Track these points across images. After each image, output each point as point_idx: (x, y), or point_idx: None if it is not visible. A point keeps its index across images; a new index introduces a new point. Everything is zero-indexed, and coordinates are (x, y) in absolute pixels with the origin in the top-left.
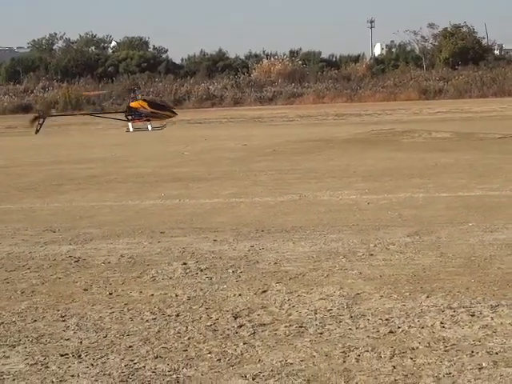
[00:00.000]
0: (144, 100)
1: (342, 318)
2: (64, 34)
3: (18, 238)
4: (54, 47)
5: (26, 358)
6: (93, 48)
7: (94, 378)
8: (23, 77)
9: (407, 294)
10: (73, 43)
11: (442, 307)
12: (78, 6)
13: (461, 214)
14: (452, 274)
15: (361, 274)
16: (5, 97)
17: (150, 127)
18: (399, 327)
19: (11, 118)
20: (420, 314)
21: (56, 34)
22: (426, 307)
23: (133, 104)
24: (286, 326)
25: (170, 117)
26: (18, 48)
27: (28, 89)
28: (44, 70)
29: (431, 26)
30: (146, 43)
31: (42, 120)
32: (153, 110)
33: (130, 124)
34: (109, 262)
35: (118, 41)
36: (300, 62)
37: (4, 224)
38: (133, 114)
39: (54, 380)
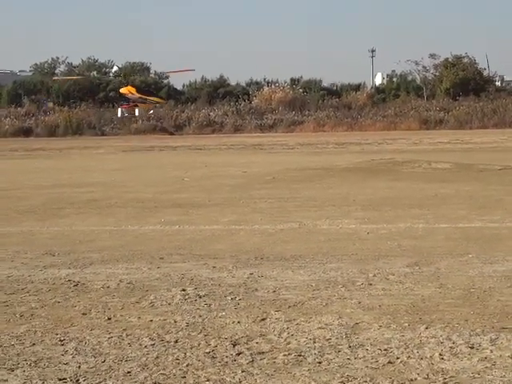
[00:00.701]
0: (132, 86)
1: (340, 347)
2: (66, 58)
3: (17, 262)
4: (55, 71)
5: (25, 382)
6: (94, 72)
7: None
8: (25, 100)
9: (406, 324)
10: (75, 67)
11: (441, 338)
12: (81, 31)
13: (460, 245)
14: (451, 306)
15: (360, 303)
16: (6, 120)
17: (137, 112)
18: (398, 358)
19: (12, 140)
20: (419, 345)
21: (58, 57)
22: (425, 338)
23: (122, 90)
24: (284, 355)
25: (159, 102)
26: (20, 71)
27: (29, 112)
28: (46, 93)
29: (432, 56)
30: (148, 69)
31: None
32: (140, 96)
33: (119, 109)
34: (108, 287)
35: (120, 66)
36: (301, 90)
37: (4, 247)
38: (122, 101)
39: None
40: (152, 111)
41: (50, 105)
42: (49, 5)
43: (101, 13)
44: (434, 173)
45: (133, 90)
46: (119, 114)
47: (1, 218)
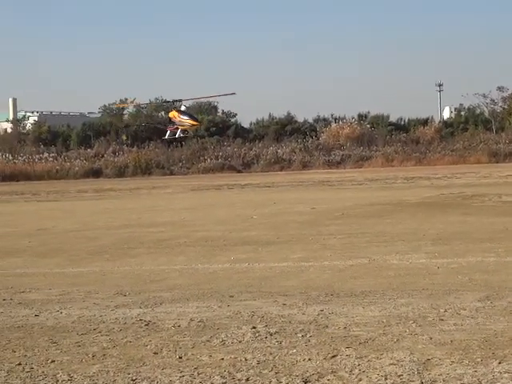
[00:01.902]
0: (177, 110)
1: (412, 383)
2: (134, 98)
3: (88, 302)
4: (124, 112)
5: None
6: (162, 113)
7: None
8: (94, 141)
9: (479, 359)
10: (143, 108)
11: None
12: (148, 72)
13: None
14: None
15: (431, 339)
16: (76, 161)
17: (178, 133)
18: None
19: (82, 182)
20: (492, 381)
21: (126, 98)
22: (498, 373)
23: (169, 114)
24: None
25: (193, 125)
26: (89, 113)
27: (99, 153)
28: (114, 134)
29: (500, 89)
30: (215, 108)
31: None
32: (181, 119)
33: (167, 131)
34: (179, 326)
35: (188, 105)
36: (368, 126)
37: (75, 287)
38: (170, 124)
39: None
40: (185, 133)
41: (124, 137)
42: (116, 47)
43: (167, 53)
44: (503, 206)
45: (176, 113)
46: (166, 136)
47: (72, 259)
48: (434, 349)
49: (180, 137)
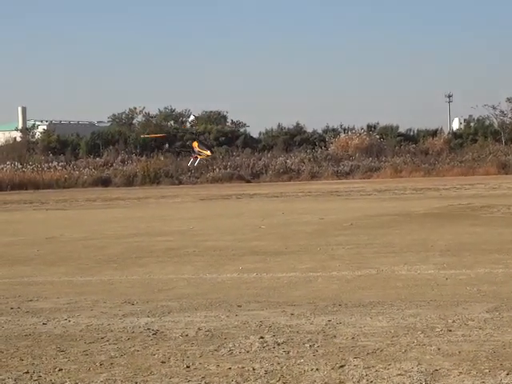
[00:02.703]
0: (198, 141)
1: None
2: (143, 108)
3: (96, 310)
4: (133, 121)
5: None
6: (171, 122)
7: None
8: (103, 150)
9: (487, 370)
10: (152, 117)
11: None
12: (158, 81)
13: None
14: None
15: (439, 349)
16: (85, 170)
17: (196, 162)
18: None
19: (91, 190)
20: None
21: (136, 108)
22: None
23: (193, 143)
24: None
25: (208, 156)
26: (98, 122)
27: (107, 162)
28: (123, 143)
29: (510, 100)
30: (225, 117)
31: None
32: (199, 149)
33: (191, 159)
34: (186, 335)
35: (197, 115)
36: (377, 136)
37: (83, 296)
38: (193, 152)
39: None
40: (196, 163)
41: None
42: (126, 55)
43: (176, 63)
44: None
45: (196, 144)
46: (189, 164)
47: (80, 268)
48: (442, 359)
49: (199, 163)
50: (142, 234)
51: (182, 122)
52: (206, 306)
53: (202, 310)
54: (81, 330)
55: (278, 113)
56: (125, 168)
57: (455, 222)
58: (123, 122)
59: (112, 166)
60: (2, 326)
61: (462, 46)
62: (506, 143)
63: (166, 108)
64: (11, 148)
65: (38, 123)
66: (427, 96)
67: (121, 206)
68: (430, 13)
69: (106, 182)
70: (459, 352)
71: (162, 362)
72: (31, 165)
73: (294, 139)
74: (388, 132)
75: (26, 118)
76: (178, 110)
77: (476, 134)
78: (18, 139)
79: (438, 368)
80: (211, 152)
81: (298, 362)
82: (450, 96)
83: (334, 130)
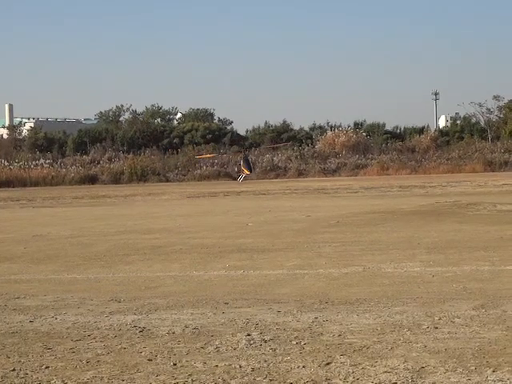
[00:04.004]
0: (245, 158)
1: None
2: (130, 105)
3: (83, 308)
4: (120, 119)
5: None
6: (158, 120)
7: None
8: (90, 148)
9: (473, 368)
10: (139, 115)
11: (508, 382)
12: (145, 79)
13: None
14: None
15: (425, 347)
16: (72, 167)
17: (242, 177)
18: None
19: (78, 188)
20: None
21: (123, 105)
22: (492, 382)
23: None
24: None
25: (248, 174)
26: (85, 120)
27: (94, 160)
28: (110, 141)
29: (496, 98)
30: (212, 115)
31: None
32: (242, 167)
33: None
34: (173, 333)
35: (184, 112)
36: (364, 134)
37: (70, 294)
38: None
39: None
40: (241, 178)
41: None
42: (112, 53)
43: (163, 60)
44: (499, 215)
45: (242, 161)
46: (238, 180)
47: (67, 265)
48: (428, 357)
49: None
50: (129, 232)
51: (169, 120)
52: (193, 304)
53: (189, 308)
54: (67, 328)
55: (265, 110)
56: (112, 165)
57: (441, 220)
58: (110, 119)
59: (99, 163)
60: None
61: (449, 44)
62: (492, 141)
63: (153, 105)
64: None
65: (24, 120)
66: (414, 94)
67: (108, 203)
68: (417, 10)
69: (92, 180)
70: (445, 349)
71: (149, 360)
72: (18, 162)
73: (280, 137)
74: (375, 129)
75: (12, 115)
76: (165, 107)
77: (462, 132)
78: (5, 136)
79: (424, 365)
80: (250, 172)
81: (285, 359)
82: (436, 94)
83: (320, 127)
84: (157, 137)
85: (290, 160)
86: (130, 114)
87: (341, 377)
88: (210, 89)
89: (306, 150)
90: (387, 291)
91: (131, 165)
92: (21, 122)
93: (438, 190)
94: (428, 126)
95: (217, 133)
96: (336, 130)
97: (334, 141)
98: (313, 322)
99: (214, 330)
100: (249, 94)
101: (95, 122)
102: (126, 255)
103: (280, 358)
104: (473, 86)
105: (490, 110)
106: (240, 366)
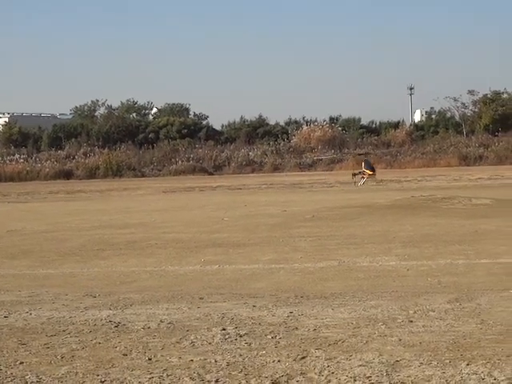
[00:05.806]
0: (364, 160)
1: None
2: (106, 100)
3: (58, 303)
4: (95, 114)
5: None
6: (134, 114)
7: None
8: (65, 143)
9: (447, 361)
10: (114, 110)
11: (482, 375)
12: (120, 74)
13: (501, 280)
14: (493, 342)
15: (400, 340)
16: (47, 162)
17: (363, 181)
18: None
19: (53, 183)
20: (460, 382)
21: (98, 100)
22: (467, 375)
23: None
24: None
25: (370, 175)
26: (60, 114)
27: (70, 155)
28: (86, 136)
29: (471, 92)
30: (187, 110)
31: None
32: (364, 169)
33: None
34: (148, 328)
35: (159, 107)
36: (340, 129)
37: (45, 289)
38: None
39: None
40: (363, 182)
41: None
42: (87, 48)
43: (138, 55)
44: (474, 209)
45: (363, 163)
46: (358, 185)
47: (42, 260)
48: (403, 350)
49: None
50: (105, 227)
51: (145, 115)
52: (168, 299)
53: (164, 303)
54: (42, 323)
55: (241, 105)
56: (87, 161)
57: (417, 214)
58: (85, 114)
59: (74, 158)
60: None
61: (423, 38)
62: (467, 135)
63: (128, 100)
64: None
65: None
66: (389, 88)
67: (83, 198)
68: (392, 5)
69: (68, 175)
70: (420, 343)
71: (124, 355)
72: None
73: (256, 131)
74: (350, 124)
75: None
76: (141, 102)
77: (437, 126)
78: None
79: (398, 359)
80: (373, 172)
81: (260, 353)
82: (411, 88)
83: (296, 122)
84: (132, 132)
85: (266, 155)
86: (106, 108)
87: (316, 371)
88: (186, 84)
89: (281, 144)
90: (362, 285)
91: (106, 160)
92: None
93: (413, 184)
94: (403, 120)
95: (192, 128)
96: (312, 125)
97: (310, 135)
98: (288, 316)
99: (189, 325)
100: (224, 88)
101: (70, 117)
102: (101, 250)
103: (255, 352)
104: (448, 81)
105: (464, 104)
106: (215, 361)
